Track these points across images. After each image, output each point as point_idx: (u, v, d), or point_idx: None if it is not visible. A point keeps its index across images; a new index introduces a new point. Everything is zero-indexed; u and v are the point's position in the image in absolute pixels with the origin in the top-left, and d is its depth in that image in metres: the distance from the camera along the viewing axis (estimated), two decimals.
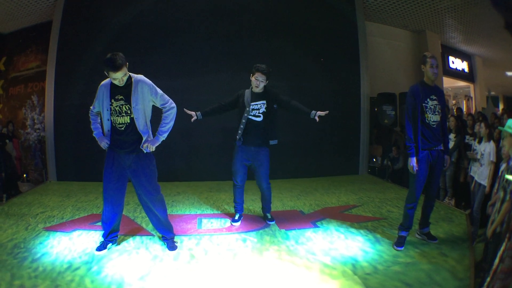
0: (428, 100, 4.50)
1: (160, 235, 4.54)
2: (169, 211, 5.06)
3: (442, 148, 4.63)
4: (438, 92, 4.62)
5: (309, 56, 9.69)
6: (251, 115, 5.13)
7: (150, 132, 4.19)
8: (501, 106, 20.92)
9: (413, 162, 4.46)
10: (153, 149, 4.16)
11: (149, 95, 4.08)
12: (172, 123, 4.24)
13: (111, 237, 4.29)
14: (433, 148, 4.55)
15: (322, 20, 9.91)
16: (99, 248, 4.17)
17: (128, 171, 4.15)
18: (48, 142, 8.92)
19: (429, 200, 4.76)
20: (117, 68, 3.80)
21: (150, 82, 4.14)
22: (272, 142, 5.21)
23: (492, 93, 20.16)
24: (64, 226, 5.15)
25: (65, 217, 5.60)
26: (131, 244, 4.45)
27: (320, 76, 9.79)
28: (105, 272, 3.67)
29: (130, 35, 8.74)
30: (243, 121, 5.12)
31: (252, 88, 5.21)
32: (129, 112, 4.03)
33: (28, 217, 5.53)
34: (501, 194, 3.38)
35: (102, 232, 4.33)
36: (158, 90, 4.17)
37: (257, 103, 5.13)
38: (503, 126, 3.86)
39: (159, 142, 4.19)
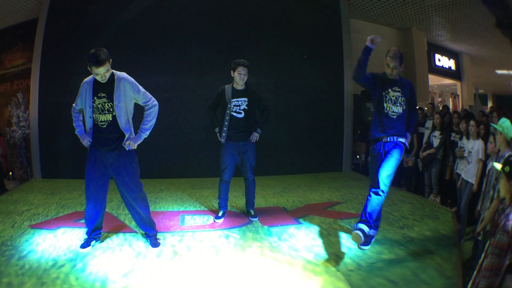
0: (390, 90, 4.43)
1: (143, 232, 4.58)
2: (152, 208, 5.12)
3: (402, 141, 4.45)
4: (403, 84, 4.52)
5: (293, 54, 9.73)
6: (233, 111, 5.20)
7: (132, 130, 4.21)
8: (489, 104, 21.01)
9: None
10: (135, 147, 4.19)
11: (131, 92, 4.11)
12: (154, 121, 4.27)
13: (94, 234, 4.33)
14: (385, 138, 4.41)
15: (307, 18, 9.95)
16: (83, 246, 4.22)
17: (110, 168, 4.18)
18: (33, 139, 8.90)
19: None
20: (99, 63, 3.82)
21: (133, 79, 4.16)
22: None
23: (481, 91, 20.23)
24: (49, 223, 5.18)
25: (49, 215, 5.62)
26: (114, 241, 4.49)
27: (304, 73, 9.85)
28: (89, 269, 3.72)
29: (115, 33, 8.70)
30: (227, 117, 5.19)
31: (233, 84, 5.27)
32: (111, 110, 4.05)
33: (14, 215, 5.56)
34: (491, 192, 3.44)
35: (86, 229, 4.37)
36: (141, 87, 4.20)
37: (238, 99, 5.21)
38: (493, 123, 3.88)
39: (142, 140, 4.22)
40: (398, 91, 4.45)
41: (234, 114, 5.21)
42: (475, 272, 2.49)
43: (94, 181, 4.16)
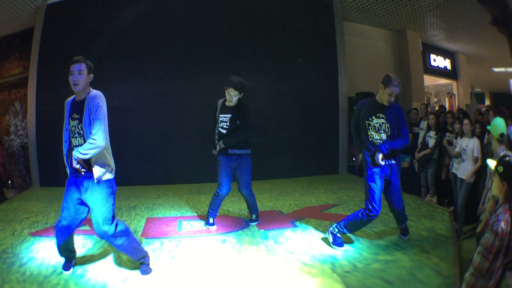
0: (373, 118, 4.34)
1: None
2: (149, 214, 5.08)
3: (394, 162, 4.43)
4: (389, 110, 4.35)
5: (288, 57, 9.78)
6: (219, 127, 5.18)
7: (107, 159, 3.68)
8: (487, 102, 20.94)
9: (379, 156, 4.28)
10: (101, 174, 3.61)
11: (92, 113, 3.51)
12: (89, 154, 3.45)
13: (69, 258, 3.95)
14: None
15: (301, 21, 10.01)
16: (65, 268, 3.88)
17: (83, 197, 3.69)
18: (31, 148, 8.93)
19: (398, 213, 4.61)
20: (74, 61, 3.52)
21: (101, 100, 3.55)
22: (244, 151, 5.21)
23: (477, 89, 20.17)
24: (48, 231, 5.21)
25: (49, 222, 5.66)
26: (112, 248, 4.44)
27: (298, 76, 9.90)
28: (89, 275, 3.77)
29: (110, 41, 8.71)
30: (216, 132, 5.21)
31: (225, 100, 5.23)
32: (81, 133, 3.56)
33: (15, 223, 5.61)
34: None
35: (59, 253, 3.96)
36: (100, 114, 3.50)
37: (225, 116, 5.16)
38: (488, 122, 3.85)
39: (76, 155, 3.46)
40: (382, 118, 4.35)
41: (221, 130, 5.18)
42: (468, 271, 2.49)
43: (68, 208, 3.74)
